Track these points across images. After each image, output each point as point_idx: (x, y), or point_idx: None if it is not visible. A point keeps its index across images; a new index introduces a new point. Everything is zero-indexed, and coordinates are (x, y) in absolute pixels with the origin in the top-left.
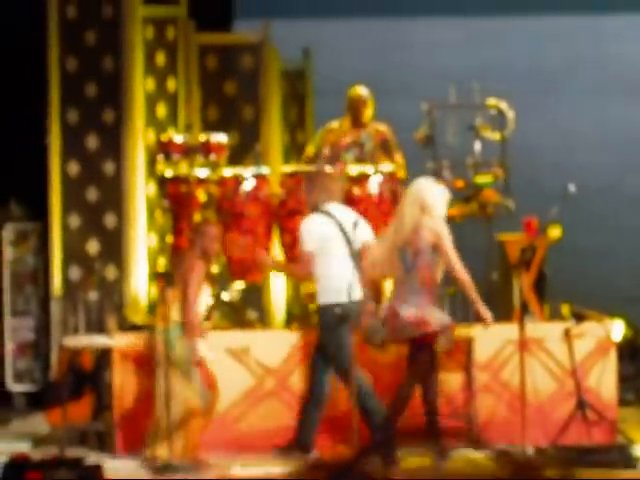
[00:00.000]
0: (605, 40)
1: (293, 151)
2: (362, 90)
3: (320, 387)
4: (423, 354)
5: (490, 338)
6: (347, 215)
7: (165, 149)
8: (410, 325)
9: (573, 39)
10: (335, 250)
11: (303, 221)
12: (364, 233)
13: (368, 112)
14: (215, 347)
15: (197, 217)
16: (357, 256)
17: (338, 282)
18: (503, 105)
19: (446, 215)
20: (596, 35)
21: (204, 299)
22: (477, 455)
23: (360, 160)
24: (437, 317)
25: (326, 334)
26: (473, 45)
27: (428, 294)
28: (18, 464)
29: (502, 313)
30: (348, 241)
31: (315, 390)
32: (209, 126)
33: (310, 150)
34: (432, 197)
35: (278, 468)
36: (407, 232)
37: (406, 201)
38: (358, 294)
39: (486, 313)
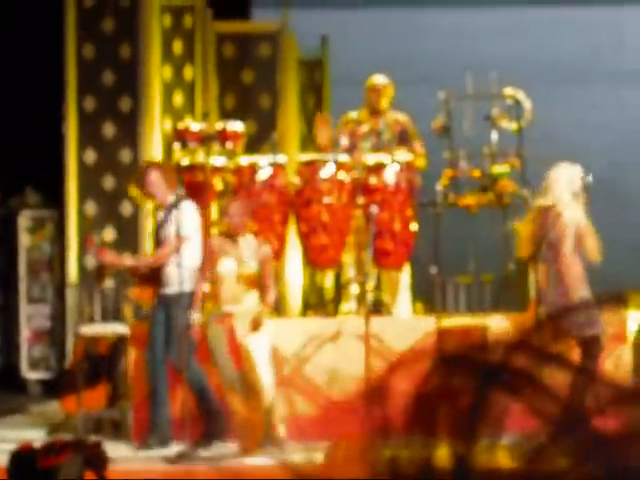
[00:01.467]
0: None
1: (310, 140)
2: (379, 79)
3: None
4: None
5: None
6: None
7: (182, 137)
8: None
9: (591, 30)
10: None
11: (188, 205)
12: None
13: (385, 101)
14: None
15: (214, 205)
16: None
17: (189, 271)
18: (520, 95)
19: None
20: (615, 26)
21: (226, 273)
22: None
23: (377, 149)
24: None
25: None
26: (491, 35)
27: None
28: (25, 454)
29: (518, 303)
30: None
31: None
32: (226, 114)
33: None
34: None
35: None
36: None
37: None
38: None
39: None
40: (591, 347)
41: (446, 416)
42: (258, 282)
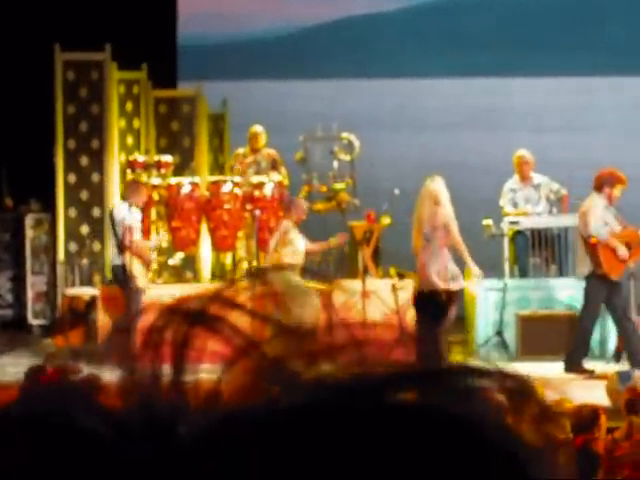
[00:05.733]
0: (425, 95)
1: (215, 167)
2: (258, 128)
3: None
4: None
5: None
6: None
7: (132, 165)
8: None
9: (400, 94)
10: None
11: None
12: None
13: (261, 141)
14: (164, 297)
15: (153, 210)
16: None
17: None
18: (352, 137)
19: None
20: (417, 91)
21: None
22: None
23: (258, 173)
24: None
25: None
26: (334, 97)
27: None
28: (36, 371)
29: (351, 273)
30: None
31: None
32: (160, 151)
33: (226, 166)
34: (442, 192)
35: None
36: (426, 216)
37: (423, 194)
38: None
39: (476, 269)
40: (454, 298)
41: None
42: None
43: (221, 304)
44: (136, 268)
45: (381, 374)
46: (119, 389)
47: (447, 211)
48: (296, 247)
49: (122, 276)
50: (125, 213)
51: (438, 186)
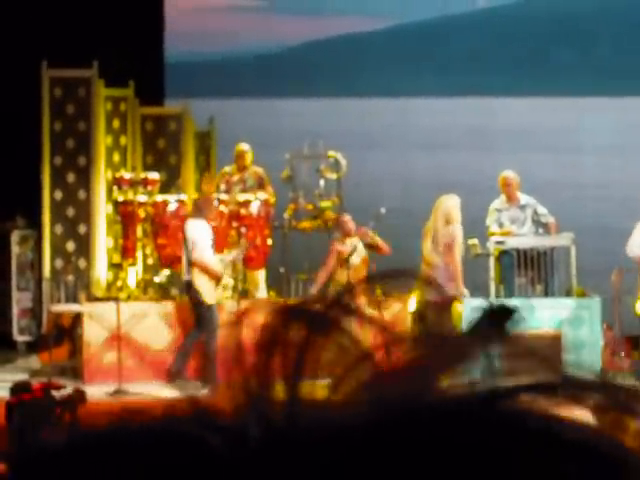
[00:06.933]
0: (409, 114)
1: (200, 185)
2: (244, 146)
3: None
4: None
5: None
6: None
7: (118, 183)
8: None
9: (385, 114)
10: None
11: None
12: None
13: (247, 159)
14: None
15: (139, 228)
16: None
17: None
18: (339, 156)
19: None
20: (401, 111)
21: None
22: None
23: (244, 191)
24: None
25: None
26: (320, 116)
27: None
28: (22, 387)
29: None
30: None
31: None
32: (147, 168)
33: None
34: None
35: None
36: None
37: (438, 210)
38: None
39: (464, 290)
40: (448, 305)
41: (279, 361)
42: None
43: (341, 310)
44: (203, 284)
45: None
46: (230, 394)
47: (455, 231)
48: None
49: (190, 292)
50: (193, 229)
51: (452, 204)
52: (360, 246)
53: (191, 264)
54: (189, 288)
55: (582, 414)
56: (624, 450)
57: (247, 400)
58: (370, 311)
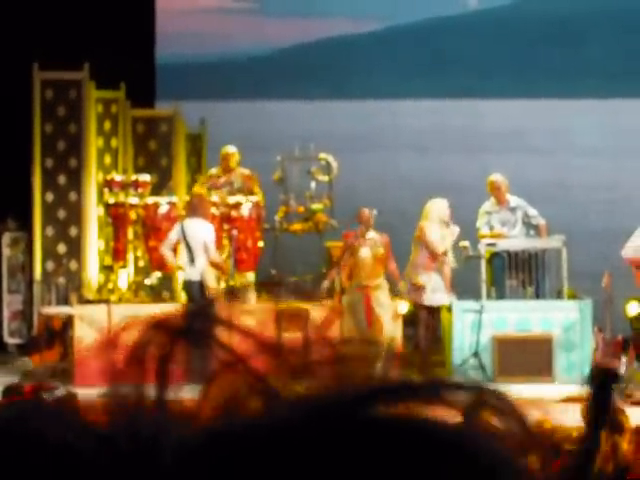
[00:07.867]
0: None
1: (193, 187)
2: (229, 148)
3: None
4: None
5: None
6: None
7: (109, 185)
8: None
9: (375, 116)
10: None
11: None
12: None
13: (234, 162)
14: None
15: (130, 230)
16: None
17: None
18: (330, 158)
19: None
20: (391, 113)
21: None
22: None
23: (232, 193)
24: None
25: None
26: (311, 118)
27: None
28: (13, 390)
29: (328, 292)
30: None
31: None
32: (138, 170)
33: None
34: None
35: None
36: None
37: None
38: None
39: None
40: (438, 314)
41: (145, 373)
42: (384, 262)
43: (205, 320)
44: (214, 284)
45: (358, 389)
46: (104, 405)
47: (425, 227)
48: None
49: (199, 292)
50: (200, 229)
51: (431, 205)
52: (376, 242)
53: (194, 263)
54: (199, 288)
55: (451, 415)
56: (493, 449)
57: (118, 409)
58: (236, 320)
